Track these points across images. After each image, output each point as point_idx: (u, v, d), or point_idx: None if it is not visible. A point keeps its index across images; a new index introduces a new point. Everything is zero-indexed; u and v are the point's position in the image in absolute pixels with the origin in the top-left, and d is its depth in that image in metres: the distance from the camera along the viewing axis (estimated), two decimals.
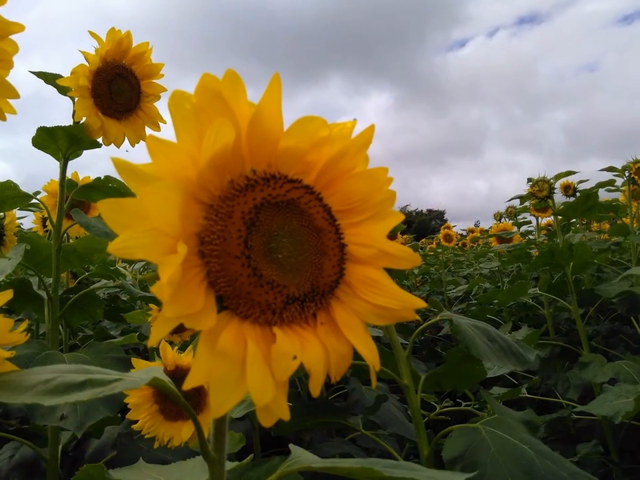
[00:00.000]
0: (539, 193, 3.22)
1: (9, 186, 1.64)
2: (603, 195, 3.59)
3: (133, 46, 1.51)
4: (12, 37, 0.81)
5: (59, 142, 1.58)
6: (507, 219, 5.53)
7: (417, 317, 0.58)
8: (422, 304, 0.57)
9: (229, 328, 0.48)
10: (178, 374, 1.20)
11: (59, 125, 1.52)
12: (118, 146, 1.54)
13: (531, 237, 4.85)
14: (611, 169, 3.19)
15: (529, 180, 3.30)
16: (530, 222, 4.87)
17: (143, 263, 3.59)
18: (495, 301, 3.79)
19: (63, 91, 1.55)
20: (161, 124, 1.61)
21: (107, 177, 1.72)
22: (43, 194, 2.10)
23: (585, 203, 2.98)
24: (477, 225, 8.73)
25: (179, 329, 1.95)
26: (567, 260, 2.85)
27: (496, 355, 1.42)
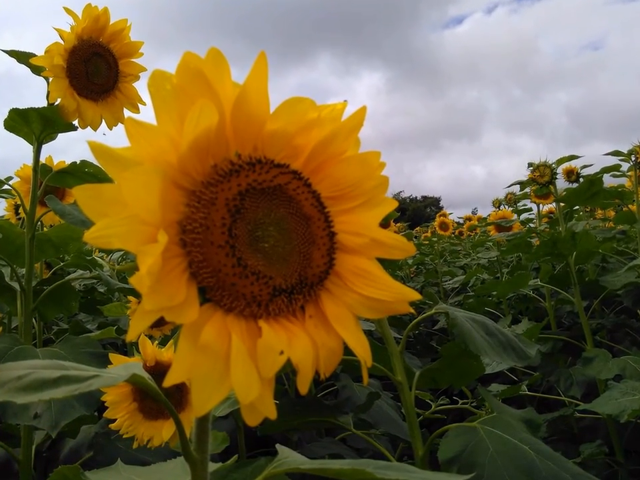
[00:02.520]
0: (540, 179, 3.22)
1: None
2: (608, 181, 3.60)
3: (111, 23, 1.50)
4: None
5: (32, 125, 1.57)
6: (506, 206, 5.53)
7: (411, 310, 0.58)
8: (416, 296, 0.57)
9: (212, 321, 0.48)
10: (158, 370, 1.20)
11: (32, 106, 1.51)
12: (95, 129, 1.54)
13: (531, 225, 4.85)
14: (616, 153, 3.19)
15: (530, 165, 3.29)
16: (530, 209, 4.88)
17: (122, 252, 3.59)
18: (494, 293, 3.80)
19: (37, 70, 1.54)
20: (140, 105, 1.61)
21: (83, 162, 1.72)
22: (16, 180, 2.09)
23: (589, 189, 2.98)
24: (474, 213, 8.74)
25: (160, 323, 1.95)
26: (570, 249, 2.85)
27: (495, 350, 1.43)
